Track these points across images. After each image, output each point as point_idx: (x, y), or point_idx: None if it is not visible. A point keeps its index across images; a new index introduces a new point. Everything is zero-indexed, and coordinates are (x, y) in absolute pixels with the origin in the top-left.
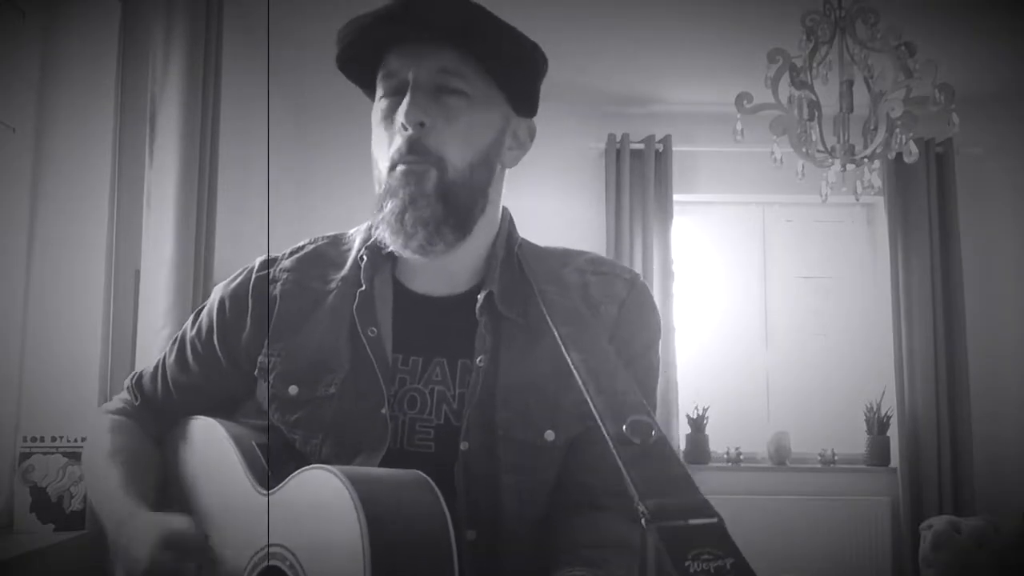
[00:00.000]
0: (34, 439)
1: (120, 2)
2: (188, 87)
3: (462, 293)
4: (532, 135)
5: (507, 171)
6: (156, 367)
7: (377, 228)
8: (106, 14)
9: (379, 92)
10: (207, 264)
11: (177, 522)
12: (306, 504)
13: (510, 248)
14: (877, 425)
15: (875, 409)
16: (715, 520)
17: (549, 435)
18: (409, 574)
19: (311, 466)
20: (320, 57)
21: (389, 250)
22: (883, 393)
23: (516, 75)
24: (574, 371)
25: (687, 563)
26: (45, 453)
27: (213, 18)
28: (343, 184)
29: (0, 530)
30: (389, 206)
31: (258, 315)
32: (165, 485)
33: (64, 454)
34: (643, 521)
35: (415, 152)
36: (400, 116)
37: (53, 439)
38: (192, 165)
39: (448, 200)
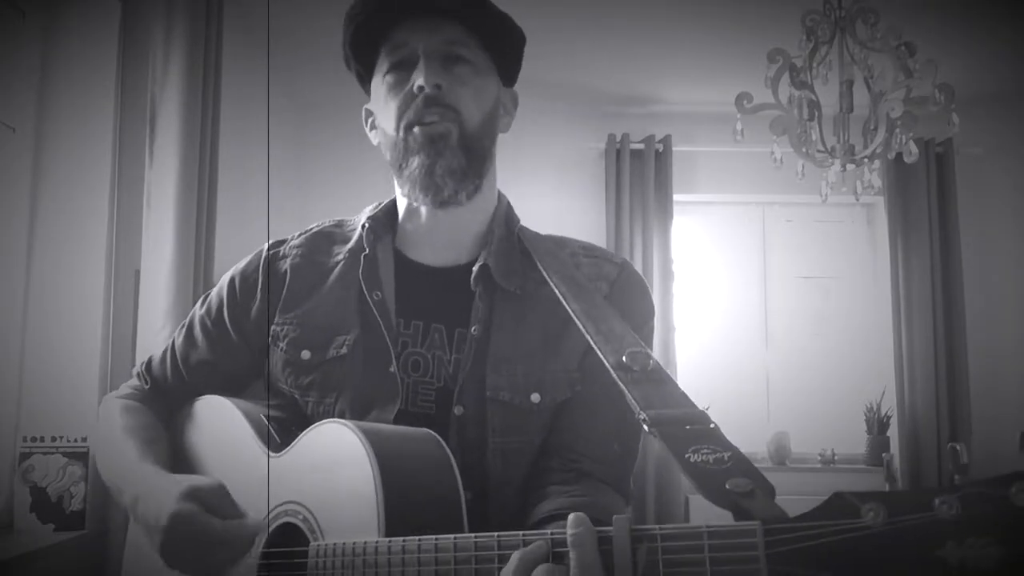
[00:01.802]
0: (34, 439)
1: (120, 2)
2: (188, 87)
3: (459, 266)
4: (516, 103)
5: (507, 173)
6: (165, 350)
7: (403, 187)
8: (106, 14)
9: (384, 66)
10: (207, 264)
11: (197, 479)
12: (320, 457)
13: (510, 228)
14: (877, 425)
15: (875, 409)
16: (712, 426)
17: (535, 398)
18: (420, 525)
19: (324, 421)
20: (320, 57)
21: (390, 221)
22: (883, 393)
23: (507, 48)
24: (574, 318)
25: (687, 455)
26: (45, 453)
27: (213, 18)
28: (343, 184)
29: (0, 530)
30: (416, 162)
31: (268, 289)
32: (176, 460)
33: (64, 454)
34: (645, 427)
35: (433, 105)
36: (418, 80)
37: (53, 439)
38: (192, 165)
39: (469, 150)
